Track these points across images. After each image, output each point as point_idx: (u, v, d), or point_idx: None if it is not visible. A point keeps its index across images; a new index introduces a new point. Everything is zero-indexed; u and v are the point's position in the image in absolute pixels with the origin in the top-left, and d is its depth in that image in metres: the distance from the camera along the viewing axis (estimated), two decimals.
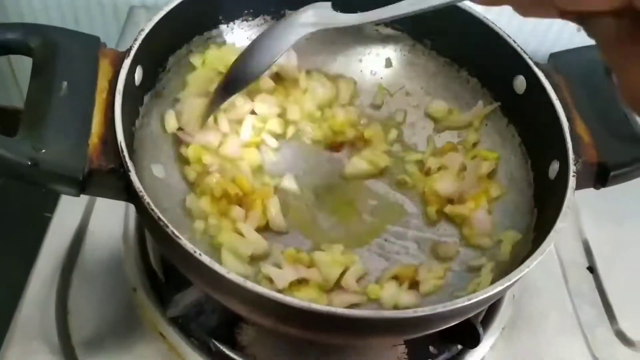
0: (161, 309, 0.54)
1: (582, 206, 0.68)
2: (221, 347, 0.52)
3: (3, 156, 0.40)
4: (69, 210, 0.60)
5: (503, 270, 0.49)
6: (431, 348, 0.55)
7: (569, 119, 0.51)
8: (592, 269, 0.65)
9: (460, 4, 0.57)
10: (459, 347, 0.56)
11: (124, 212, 0.60)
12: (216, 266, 0.39)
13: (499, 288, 0.41)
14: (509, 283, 0.41)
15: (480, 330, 0.53)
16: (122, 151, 0.43)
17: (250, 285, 0.38)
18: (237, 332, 0.53)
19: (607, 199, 0.63)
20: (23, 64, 0.92)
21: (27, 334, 0.52)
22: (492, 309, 0.59)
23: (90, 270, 0.56)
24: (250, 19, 0.61)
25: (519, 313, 0.60)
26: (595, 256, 0.65)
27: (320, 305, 0.38)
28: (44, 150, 0.41)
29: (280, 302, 0.38)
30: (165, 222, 0.40)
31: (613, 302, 0.62)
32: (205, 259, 0.39)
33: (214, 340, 0.52)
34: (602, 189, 0.52)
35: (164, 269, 0.56)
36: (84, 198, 0.60)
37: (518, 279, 0.42)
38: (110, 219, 0.59)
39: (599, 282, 0.64)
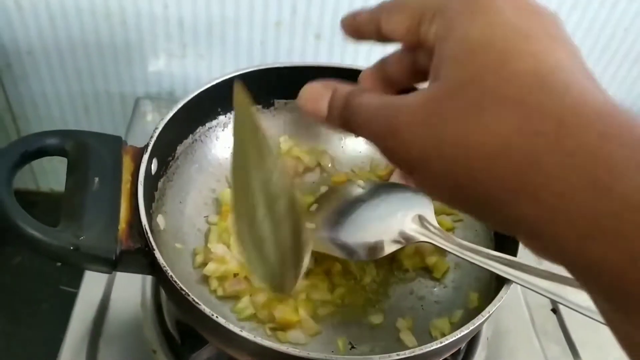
0: None
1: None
2: None
3: (50, 244, 0.48)
4: (93, 283, 0.68)
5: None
6: None
7: None
8: (555, 310, 0.73)
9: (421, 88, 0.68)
10: None
11: (141, 283, 0.68)
12: (230, 326, 0.47)
13: (459, 335, 0.49)
14: (467, 331, 0.50)
15: None
16: (147, 233, 0.51)
17: (259, 340, 0.46)
18: None
19: None
20: None
21: None
22: (469, 349, 0.67)
23: (115, 335, 0.64)
24: None
25: (492, 353, 0.68)
26: None
27: (318, 354, 0.46)
28: (82, 237, 0.50)
29: (283, 353, 0.46)
30: (187, 291, 0.48)
31: (575, 339, 0.70)
32: (221, 321, 0.47)
33: None
34: None
35: (179, 332, 0.64)
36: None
37: (476, 327, 0.50)
38: (129, 290, 0.67)
39: (562, 321, 0.72)
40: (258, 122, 0.39)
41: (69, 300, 0.66)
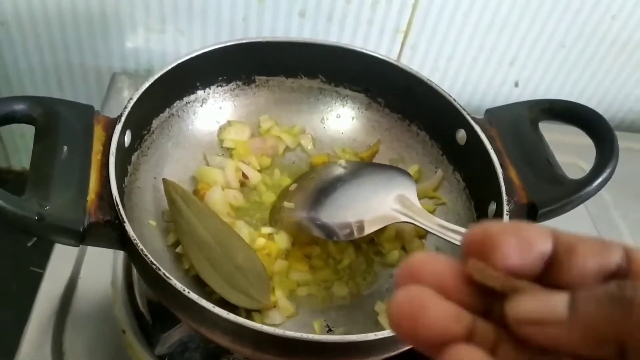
0: (149, 348, 0.59)
1: None
2: None
3: (14, 212, 0.46)
4: (61, 259, 0.65)
5: None
6: None
7: (502, 166, 0.58)
8: None
9: (405, 68, 0.66)
10: None
11: (112, 261, 0.66)
12: (203, 302, 0.45)
13: None
14: None
15: None
16: (117, 205, 0.49)
17: (232, 317, 0.44)
18: None
19: None
20: (10, 128, 0.98)
21: None
22: None
23: (83, 314, 0.61)
24: (224, 84, 0.69)
25: None
26: None
27: (292, 332, 0.45)
28: (48, 207, 0.47)
29: (257, 330, 0.44)
30: (157, 265, 0.46)
31: None
32: (194, 296, 0.45)
33: None
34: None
35: (150, 311, 0.62)
36: (75, 248, 0.66)
37: None
38: (99, 267, 0.65)
39: None
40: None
41: (39, 282, 0.64)
